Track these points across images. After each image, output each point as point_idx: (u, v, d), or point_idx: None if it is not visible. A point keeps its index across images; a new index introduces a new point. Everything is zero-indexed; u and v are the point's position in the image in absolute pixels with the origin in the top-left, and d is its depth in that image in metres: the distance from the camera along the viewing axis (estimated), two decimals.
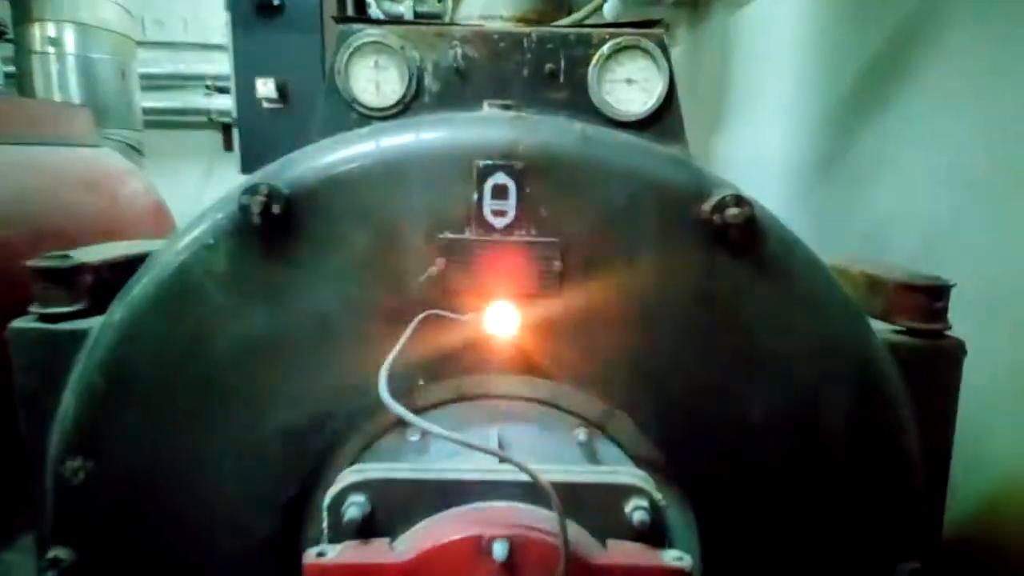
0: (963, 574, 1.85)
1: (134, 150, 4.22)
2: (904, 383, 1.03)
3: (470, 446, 0.92)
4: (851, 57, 2.63)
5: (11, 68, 4.20)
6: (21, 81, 4.10)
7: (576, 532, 0.89)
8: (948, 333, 1.06)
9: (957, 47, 2.03)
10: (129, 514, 1.01)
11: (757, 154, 3.59)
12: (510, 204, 0.97)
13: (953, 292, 1.62)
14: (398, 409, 0.86)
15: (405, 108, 1.27)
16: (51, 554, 1.01)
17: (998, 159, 1.89)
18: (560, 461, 0.99)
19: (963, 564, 1.85)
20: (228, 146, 6.66)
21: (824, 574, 1.04)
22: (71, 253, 1.07)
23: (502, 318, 0.99)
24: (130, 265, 1.07)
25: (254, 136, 2.59)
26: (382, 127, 1.02)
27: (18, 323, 1.03)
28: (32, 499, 1.07)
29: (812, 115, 3.00)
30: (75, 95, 4.04)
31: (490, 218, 0.97)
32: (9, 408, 1.07)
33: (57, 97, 4.04)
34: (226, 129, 6.68)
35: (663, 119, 1.27)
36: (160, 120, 6.36)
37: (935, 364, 1.05)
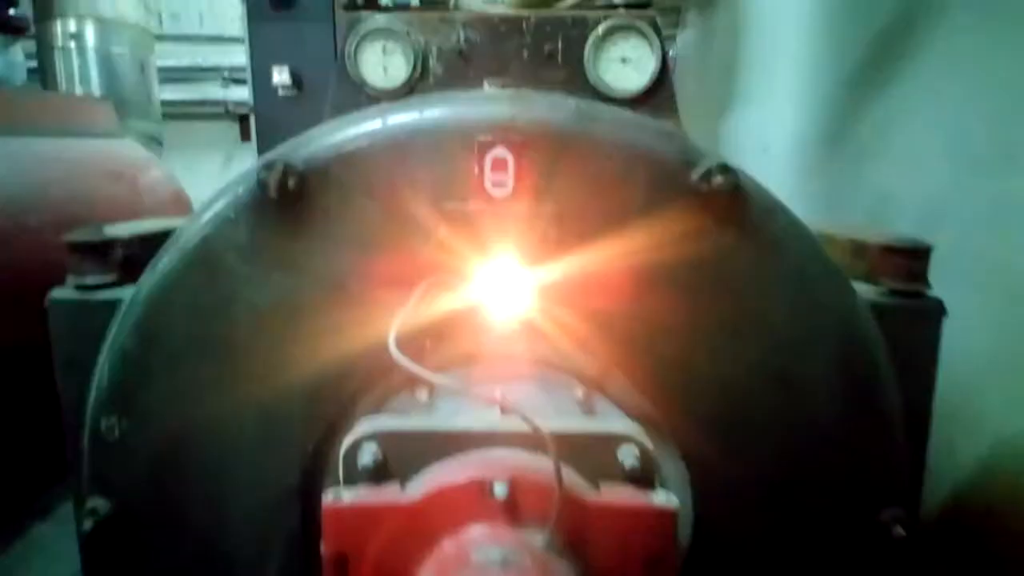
0: (963, 533, 1.90)
1: (154, 141, 4.32)
2: (885, 341, 1.08)
3: (473, 395, 1.00)
4: (858, 33, 2.66)
5: (33, 63, 4.31)
6: (44, 76, 4.22)
7: (571, 476, 0.96)
8: (928, 294, 1.11)
9: (960, 24, 2.07)
10: (161, 467, 1.09)
11: (766, 133, 3.63)
12: (509, 176, 1.03)
13: (952, 264, 1.66)
14: (405, 362, 0.93)
15: (411, 89, 1.34)
16: (89, 505, 1.09)
17: (996, 134, 1.94)
18: (559, 415, 1.07)
19: (962, 523, 1.91)
20: (245, 137, 6.77)
21: (808, 520, 1.10)
22: (103, 228, 1.15)
23: (503, 283, 1.06)
24: (157, 239, 1.14)
25: (270, 123, 2.69)
26: (389, 106, 1.09)
27: (57, 293, 1.12)
28: (68, 460, 1.16)
29: (820, 93, 3.03)
30: (96, 89, 4.15)
31: (490, 189, 1.04)
32: (46, 384, 1.15)
33: (79, 91, 4.15)
34: (243, 120, 6.79)
35: (656, 95, 1.33)
36: (178, 112, 6.47)
37: (916, 323, 1.10)
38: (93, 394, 1.09)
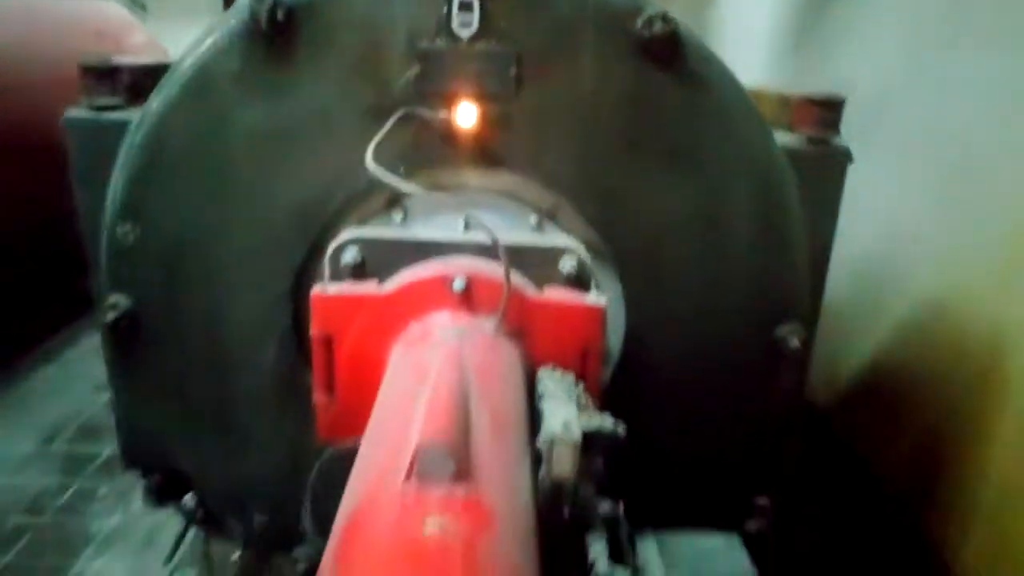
0: (881, 388, 2.16)
1: (138, 5, 4.27)
2: (798, 180, 1.25)
3: (438, 202, 1.16)
4: None
5: None
6: None
7: (519, 278, 1.14)
8: (836, 141, 1.27)
9: None
10: (170, 268, 1.26)
11: (748, 22, 3.69)
12: (474, 18, 1.16)
13: (899, 141, 1.80)
14: (381, 173, 1.09)
15: None
16: (110, 300, 1.27)
17: (943, 23, 2.07)
18: (512, 232, 1.24)
19: (882, 382, 2.16)
20: (229, 6, 6.61)
21: (721, 332, 1.30)
22: (112, 58, 1.27)
23: (468, 116, 1.20)
24: (160, 70, 1.27)
25: None
26: None
27: (72, 112, 1.25)
28: (86, 266, 1.32)
29: None
30: None
31: (458, 30, 1.17)
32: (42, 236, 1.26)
33: None
34: None
35: None
36: None
37: (825, 166, 1.27)
38: (109, 204, 1.24)
